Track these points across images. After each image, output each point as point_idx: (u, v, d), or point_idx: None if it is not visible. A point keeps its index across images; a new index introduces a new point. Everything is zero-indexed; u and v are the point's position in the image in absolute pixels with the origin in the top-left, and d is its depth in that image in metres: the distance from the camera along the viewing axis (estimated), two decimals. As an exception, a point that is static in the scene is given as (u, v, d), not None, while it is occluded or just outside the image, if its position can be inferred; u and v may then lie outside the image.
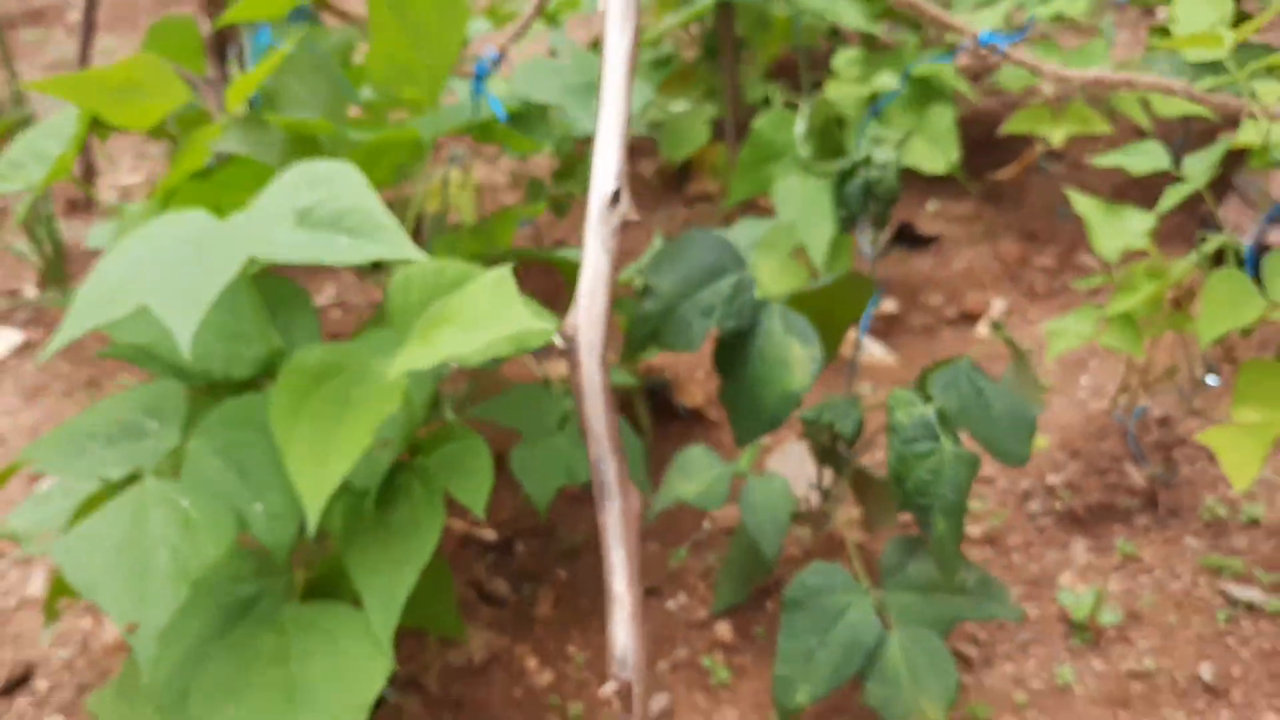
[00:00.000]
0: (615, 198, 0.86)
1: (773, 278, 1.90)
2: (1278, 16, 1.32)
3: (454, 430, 1.13)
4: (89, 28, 2.17)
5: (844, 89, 1.78)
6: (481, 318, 0.93)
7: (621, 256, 1.02)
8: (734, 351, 1.30)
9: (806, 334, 1.27)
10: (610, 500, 0.91)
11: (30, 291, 2.28)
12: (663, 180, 2.60)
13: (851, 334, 1.61)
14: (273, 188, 0.98)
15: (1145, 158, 1.39)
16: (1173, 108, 2.00)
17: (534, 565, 1.59)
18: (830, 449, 1.33)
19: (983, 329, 2.05)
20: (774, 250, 1.89)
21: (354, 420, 0.97)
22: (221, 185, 1.18)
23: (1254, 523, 1.55)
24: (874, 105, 1.74)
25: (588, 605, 1.52)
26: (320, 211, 0.94)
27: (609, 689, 0.90)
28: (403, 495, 1.08)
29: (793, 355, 1.27)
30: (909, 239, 2.31)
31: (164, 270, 0.88)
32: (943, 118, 1.83)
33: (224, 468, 1.00)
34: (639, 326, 1.30)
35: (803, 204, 1.79)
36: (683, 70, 2.21)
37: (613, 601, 0.93)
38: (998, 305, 2.09)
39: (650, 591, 1.54)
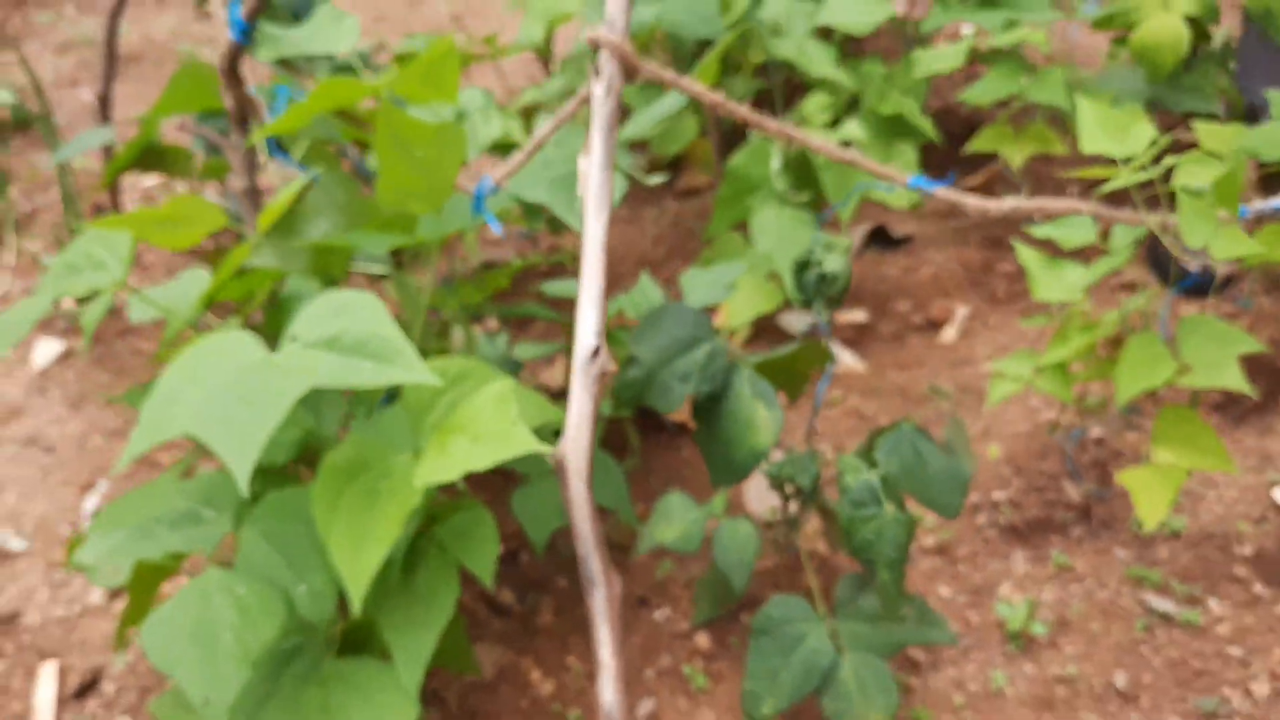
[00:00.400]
0: (595, 352, 1.04)
1: (748, 301, 2.08)
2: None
3: (463, 501, 1.31)
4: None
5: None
6: (489, 434, 1.11)
7: (613, 260, 1.19)
8: (709, 409, 1.48)
9: (769, 398, 1.45)
10: (597, 588, 1.10)
11: (67, 301, 2.45)
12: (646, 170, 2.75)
13: (812, 390, 1.78)
14: (305, 315, 1.15)
15: (1076, 232, 1.55)
16: (1126, 128, 2.14)
17: (537, 574, 1.79)
18: (794, 491, 1.52)
19: (948, 334, 2.22)
20: (751, 276, 2.06)
21: (384, 514, 1.16)
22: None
23: (1175, 535, 1.74)
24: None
25: (584, 614, 1.72)
26: (345, 339, 1.11)
27: (597, 741, 1.10)
28: (422, 563, 1.27)
29: (759, 417, 1.45)
30: (883, 240, 2.47)
31: (220, 410, 1.04)
32: (906, 155, 1.98)
33: (271, 553, 1.20)
34: (625, 390, 1.48)
35: (778, 235, 1.95)
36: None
37: (601, 668, 1.12)
38: (961, 312, 2.25)
39: (640, 601, 1.74)
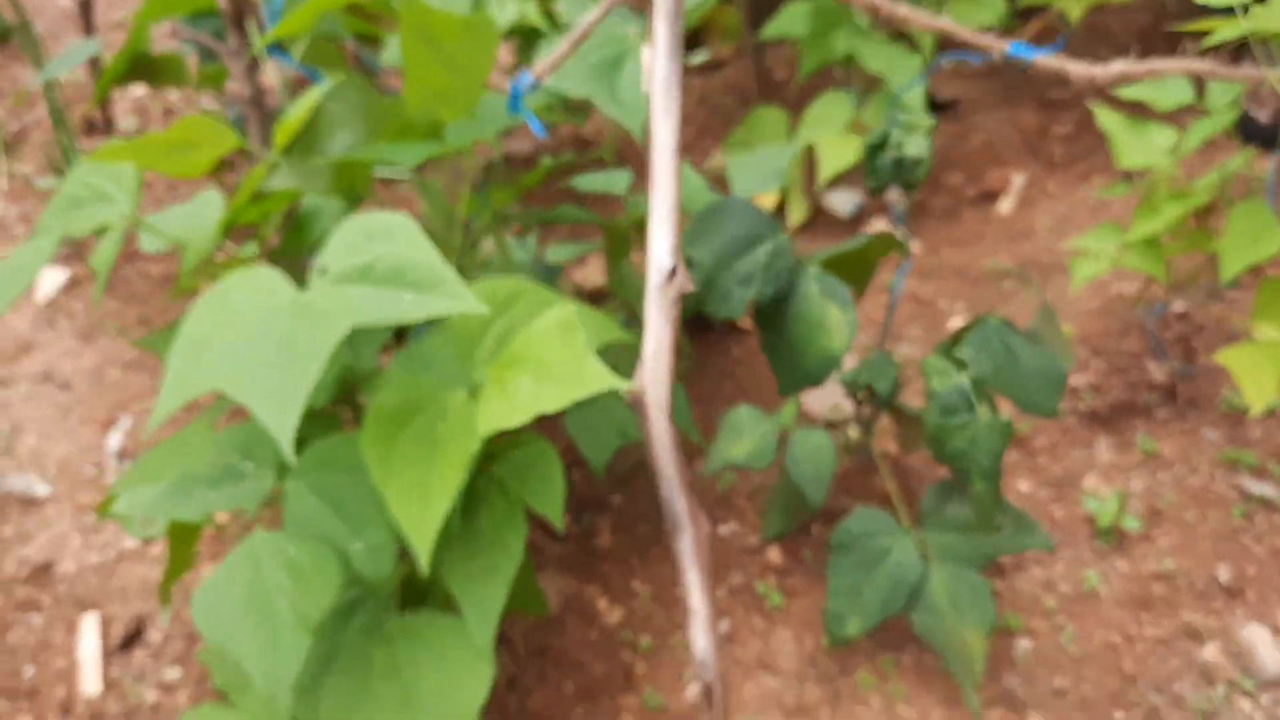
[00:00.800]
0: (672, 273, 0.91)
1: (834, 153, 1.93)
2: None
3: (522, 435, 1.20)
4: None
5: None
6: (556, 369, 0.99)
7: (637, 146, 1.07)
8: (774, 313, 1.36)
9: (842, 298, 1.33)
10: (682, 531, 0.99)
11: (63, 226, 2.32)
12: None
13: (885, 298, 1.65)
14: (334, 243, 1.02)
15: (1170, 91, 1.40)
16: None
17: (589, 493, 1.70)
18: (868, 394, 1.41)
19: (1004, 206, 2.08)
20: (830, 123, 1.92)
21: (445, 460, 1.05)
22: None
23: (1270, 412, 1.63)
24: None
25: (644, 532, 1.63)
26: (381, 267, 0.99)
27: (693, 690, 1.02)
28: (484, 505, 1.17)
29: (830, 318, 1.33)
30: (929, 105, 2.30)
31: (252, 363, 0.93)
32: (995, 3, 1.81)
33: (322, 507, 1.09)
34: (693, 303, 1.36)
35: (888, 62, 1.81)
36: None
37: (691, 614, 1.03)
38: (1017, 181, 2.11)
39: (702, 514, 1.65)
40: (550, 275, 1.69)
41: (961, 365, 1.26)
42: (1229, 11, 1.17)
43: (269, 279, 1.01)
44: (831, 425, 1.69)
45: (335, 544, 1.08)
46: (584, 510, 1.68)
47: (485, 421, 1.00)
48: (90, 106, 1.90)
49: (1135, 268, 1.47)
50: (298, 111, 1.13)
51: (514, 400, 1.00)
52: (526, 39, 1.83)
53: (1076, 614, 1.46)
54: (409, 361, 1.18)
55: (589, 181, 1.70)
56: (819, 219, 2.09)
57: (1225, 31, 1.30)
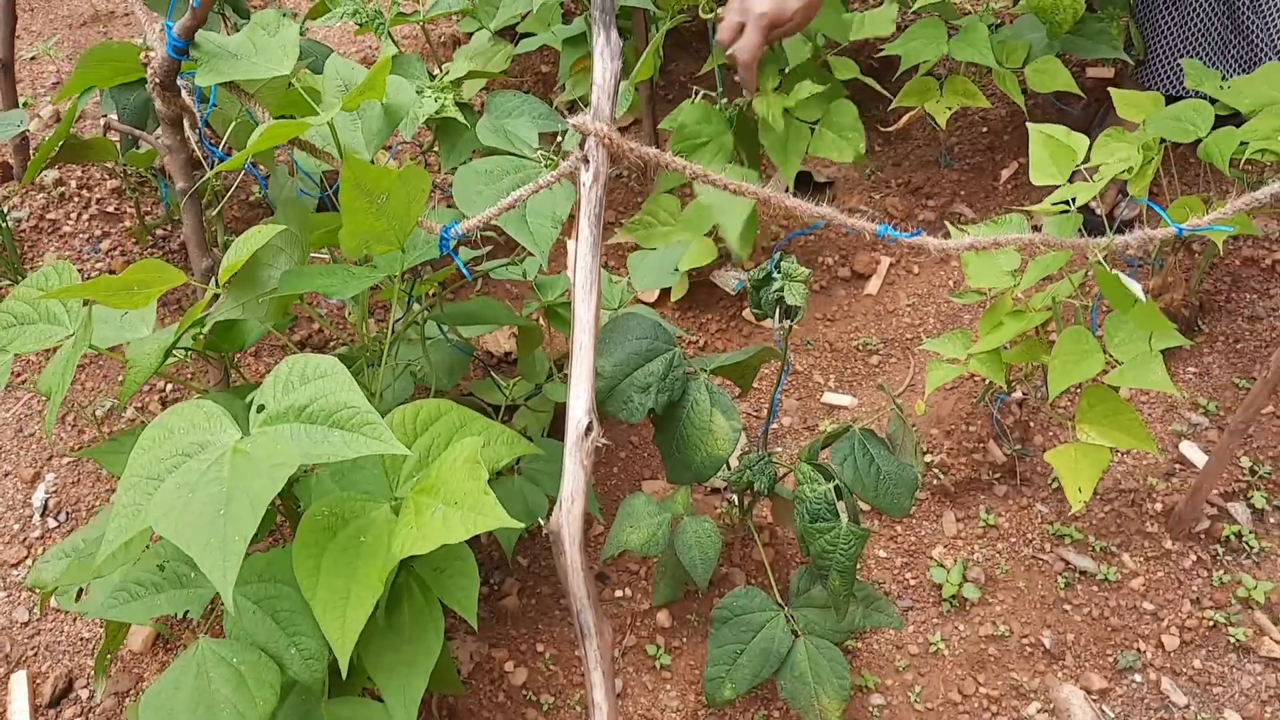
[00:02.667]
0: (588, 430, 1.08)
1: (688, 256, 2.11)
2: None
3: (442, 535, 1.35)
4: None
5: (769, 102, 1.93)
6: (464, 501, 1.14)
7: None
8: (667, 416, 1.53)
9: (728, 407, 1.51)
10: (589, 639, 1.16)
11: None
12: (569, 103, 2.72)
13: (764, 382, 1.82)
14: (271, 382, 1.15)
15: (1009, 230, 1.61)
16: (1048, 83, 2.20)
17: (498, 553, 1.85)
18: (749, 487, 1.59)
19: (872, 285, 2.29)
20: (696, 230, 2.10)
21: (366, 572, 1.19)
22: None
23: (1093, 489, 1.87)
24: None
25: (548, 594, 1.80)
26: (315, 408, 1.12)
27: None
28: (406, 599, 1.32)
29: (717, 425, 1.51)
30: (807, 184, 2.51)
31: (196, 517, 1.02)
32: (847, 112, 2.00)
33: (260, 616, 1.23)
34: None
35: (725, 197, 1.98)
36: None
37: (595, 708, 1.20)
38: (885, 262, 2.33)
39: (599, 578, 1.82)
40: (467, 353, 1.83)
41: (827, 475, 1.45)
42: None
43: (211, 415, 1.14)
44: (717, 491, 1.88)
45: (273, 650, 1.22)
46: (494, 570, 1.83)
47: (401, 546, 1.15)
48: (19, 188, 1.96)
49: (981, 373, 1.68)
50: (241, 252, 1.26)
51: (426, 528, 1.15)
52: (443, 127, 1.97)
53: (923, 673, 1.68)
54: (339, 473, 1.32)
55: (502, 270, 1.85)
56: (710, 293, 2.27)
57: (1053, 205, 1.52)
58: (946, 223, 2.39)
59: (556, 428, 2.02)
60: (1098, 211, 2.36)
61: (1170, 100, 1.96)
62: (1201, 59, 2.26)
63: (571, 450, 1.09)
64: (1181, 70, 2.25)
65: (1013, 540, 1.83)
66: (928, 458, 1.94)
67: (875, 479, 1.48)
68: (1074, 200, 1.56)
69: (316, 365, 1.15)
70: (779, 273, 1.41)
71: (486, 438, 1.35)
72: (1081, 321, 1.66)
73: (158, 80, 1.50)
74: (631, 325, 1.53)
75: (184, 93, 1.54)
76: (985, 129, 2.58)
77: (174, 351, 1.39)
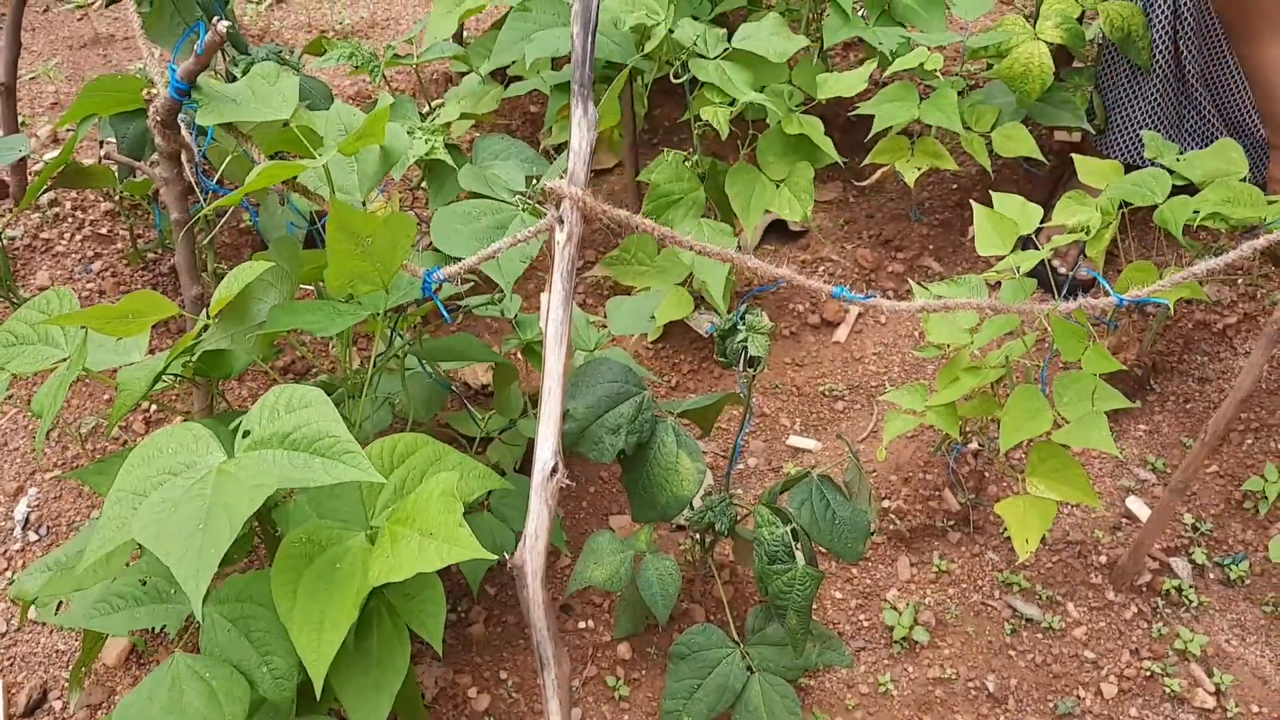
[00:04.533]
0: (554, 471, 1.15)
1: (664, 309, 2.19)
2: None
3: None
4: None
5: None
6: (439, 532, 1.21)
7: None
8: (634, 457, 1.60)
9: (693, 450, 1.58)
10: (548, 669, 1.22)
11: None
12: (555, 146, 2.80)
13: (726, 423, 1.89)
14: (258, 410, 1.22)
15: (964, 290, 1.69)
16: (1014, 148, 2.29)
17: (466, 581, 1.91)
18: (711, 527, 1.66)
19: (840, 333, 2.37)
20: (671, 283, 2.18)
21: (341, 597, 1.25)
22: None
23: (1040, 541, 1.95)
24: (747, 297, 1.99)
25: (513, 622, 1.86)
26: (298, 436, 1.19)
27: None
28: (375, 624, 1.38)
29: (683, 466, 1.58)
30: (781, 232, 2.59)
31: (176, 529, 1.09)
32: (805, 175, 2.09)
33: (235, 634, 1.29)
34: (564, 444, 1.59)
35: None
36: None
37: (549, 733, 1.26)
38: (853, 310, 2.41)
39: (564, 609, 1.88)
40: (445, 387, 1.89)
41: (785, 519, 1.52)
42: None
43: (200, 437, 1.20)
44: (682, 528, 1.95)
45: (245, 668, 1.27)
46: (461, 598, 1.89)
47: (377, 573, 1.21)
48: (16, 213, 2.03)
49: (937, 425, 1.76)
50: (232, 286, 1.32)
51: (401, 557, 1.21)
52: (432, 168, 2.04)
53: (872, 712, 1.74)
54: (317, 500, 1.38)
55: (482, 306, 1.92)
56: (684, 333, 2.34)
57: (1000, 272, 1.61)
58: (912, 279, 2.48)
59: (529, 462, 2.09)
60: (1061, 270, 2.45)
61: (1130, 169, 2.06)
62: (1159, 130, 2.37)
63: (538, 489, 1.15)
64: (1140, 140, 2.36)
65: (964, 586, 1.90)
66: (885, 503, 2.01)
67: (830, 523, 1.55)
68: (1019, 268, 1.64)
69: (302, 396, 1.22)
70: (744, 324, 1.49)
71: (460, 471, 1.42)
72: (1033, 380, 1.74)
73: (159, 118, 1.57)
74: (603, 369, 1.60)
75: (183, 129, 1.61)
76: (955, 186, 2.67)
77: (163, 376, 1.45)
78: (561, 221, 1.13)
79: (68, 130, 2.69)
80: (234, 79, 2.26)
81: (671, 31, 2.09)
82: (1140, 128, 2.38)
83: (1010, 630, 1.83)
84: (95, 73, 2.94)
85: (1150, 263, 1.79)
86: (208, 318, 1.36)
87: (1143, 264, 1.73)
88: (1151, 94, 2.33)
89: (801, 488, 1.57)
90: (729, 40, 2.15)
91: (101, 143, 1.78)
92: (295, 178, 1.49)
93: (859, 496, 1.60)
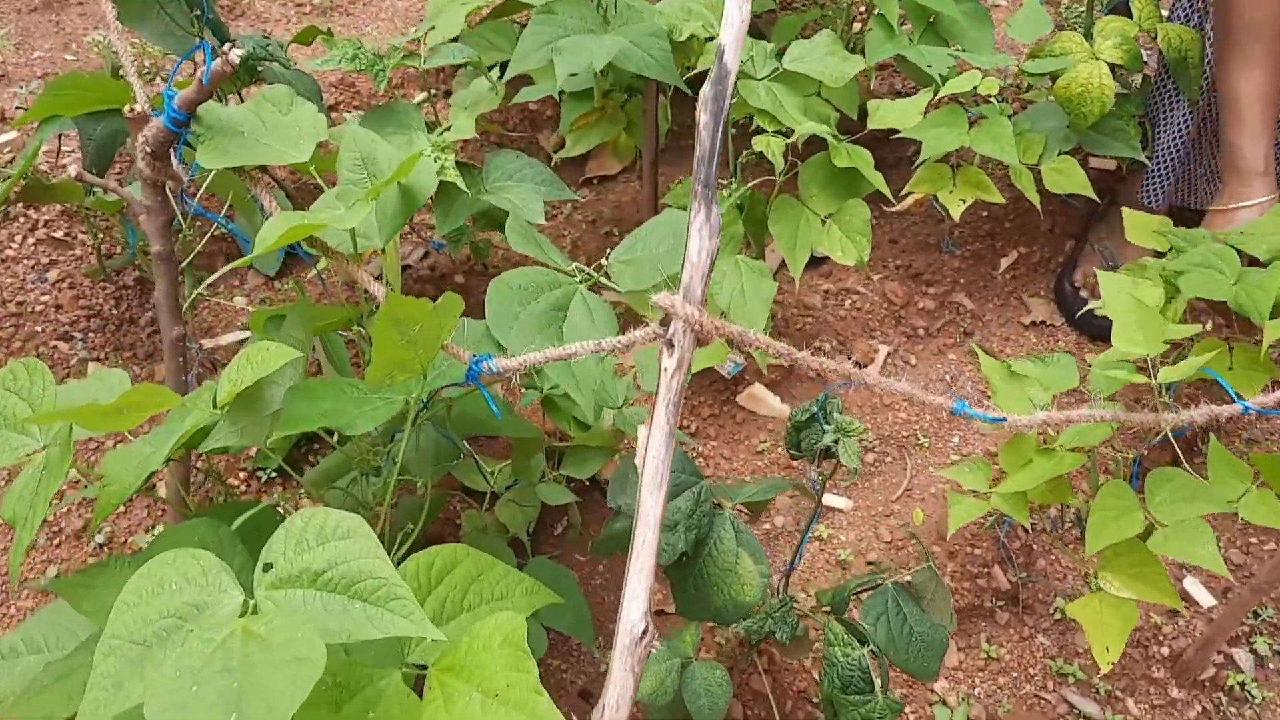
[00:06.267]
0: (644, 634, 0.96)
1: (702, 357, 2.00)
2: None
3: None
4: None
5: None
6: (506, 693, 1.01)
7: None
8: (688, 551, 1.42)
9: (754, 549, 1.41)
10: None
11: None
12: (557, 149, 2.57)
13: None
14: (280, 539, 1.01)
15: (1059, 373, 1.53)
16: (1064, 185, 2.13)
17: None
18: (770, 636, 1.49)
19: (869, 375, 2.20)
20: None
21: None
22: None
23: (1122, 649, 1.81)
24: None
25: None
26: (333, 576, 0.99)
27: None
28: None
29: (743, 568, 1.40)
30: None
31: (200, 715, 0.90)
32: (859, 214, 1.91)
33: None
34: (609, 544, 1.41)
35: (738, 290, 1.88)
36: (601, 104, 2.17)
37: None
38: (883, 351, 2.24)
39: (582, 694, 1.70)
40: (453, 441, 1.69)
41: (861, 637, 1.35)
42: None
43: (208, 569, 0.99)
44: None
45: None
46: None
47: (427, 740, 1.02)
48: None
49: (1004, 511, 1.60)
50: (245, 376, 1.11)
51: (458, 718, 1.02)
52: (443, 191, 1.82)
53: (923, 824, 1.60)
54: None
55: (529, 393, 1.72)
56: (704, 374, 2.16)
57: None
58: (944, 316, 2.32)
59: (543, 524, 1.90)
60: (1097, 312, 2.31)
61: (1173, 211, 1.94)
62: (1183, 167, 2.25)
63: (622, 654, 0.97)
64: (1179, 179, 2.23)
65: (1014, 675, 1.75)
66: (931, 580, 1.85)
67: (908, 641, 1.39)
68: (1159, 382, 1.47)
69: (337, 524, 1.01)
70: (829, 423, 1.31)
71: (504, 588, 1.22)
72: (1119, 473, 1.58)
73: (149, 149, 1.33)
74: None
75: (174, 160, 1.38)
76: (986, 214, 2.50)
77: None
78: (671, 345, 0.94)
79: (18, 109, 2.40)
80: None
81: (747, 71, 1.88)
82: (1178, 164, 2.24)
83: (1068, 730, 1.69)
84: (46, 40, 2.64)
85: (1257, 350, 1.63)
86: (213, 406, 1.15)
87: (1249, 350, 1.58)
88: (1188, 128, 2.19)
89: (876, 600, 1.40)
90: (778, 58, 1.94)
91: (65, 163, 1.54)
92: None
93: (935, 605, 1.44)
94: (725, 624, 1.40)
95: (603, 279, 1.28)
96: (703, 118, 0.87)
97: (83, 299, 2.00)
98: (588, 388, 1.22)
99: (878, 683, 1.33)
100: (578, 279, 1.35)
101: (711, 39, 1.83)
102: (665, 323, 0.96)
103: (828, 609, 1.48)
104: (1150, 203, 2.29)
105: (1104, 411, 1.23)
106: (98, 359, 1.93)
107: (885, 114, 1.99)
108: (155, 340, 1.98)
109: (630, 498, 1.40)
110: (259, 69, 2.02)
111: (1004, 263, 2.42)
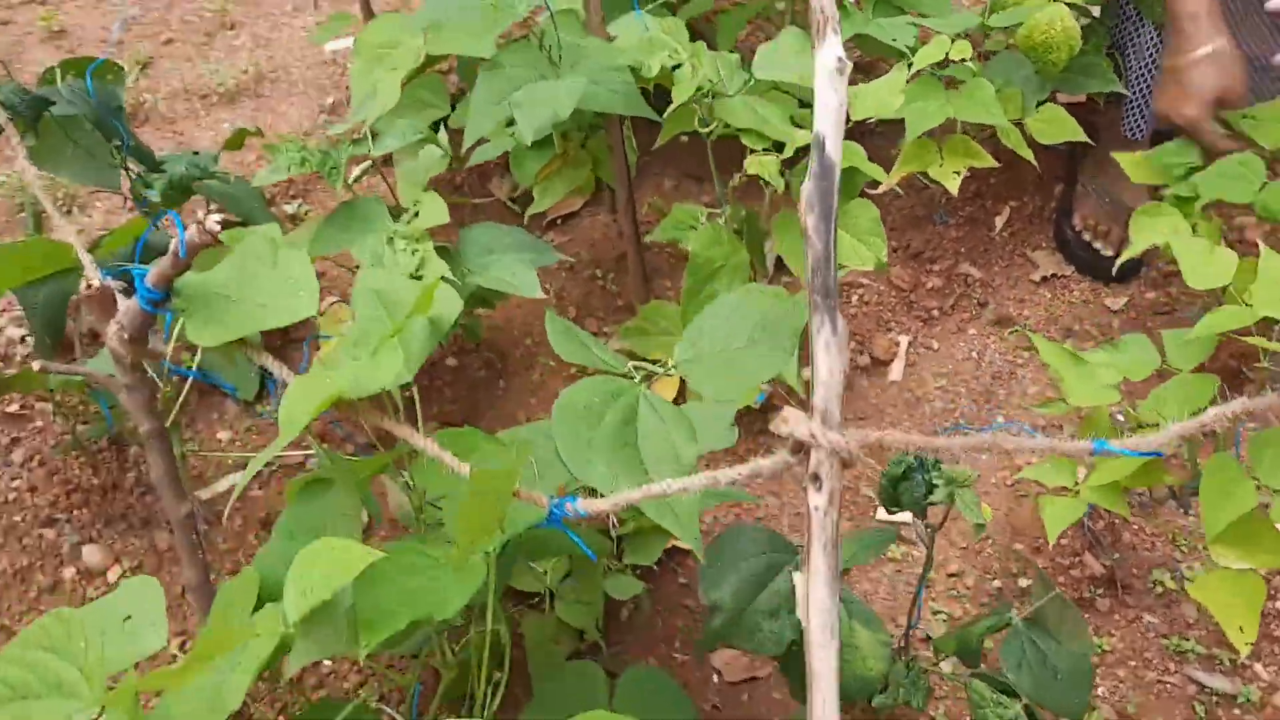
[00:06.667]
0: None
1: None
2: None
3: None
4: None
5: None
6: None
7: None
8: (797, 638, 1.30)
9: (867, 618, 1.30)
10: None
11: None
12: (521, 201, 2.43)
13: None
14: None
15: (1139, 355, 1.43)
16: (1055, 134, 2.04)
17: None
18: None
19: (894, 371, 2.10)
20: None
21: None
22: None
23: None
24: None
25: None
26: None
27: None
28: None
29: (860, 640, 1.29)
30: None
31: None
32: (865, 213, 1.79)
33: None
34: (710, 641, 1.29)
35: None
36: (562, 149, 2.03)
37: None
38: (903, 342, 2.14)
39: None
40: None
41: (1009, 690, 1.25)
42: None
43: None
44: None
45: None
46: None
47: None
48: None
49: (1101, 504, 1.51)
50: (318, 593, 0.97)
51: None
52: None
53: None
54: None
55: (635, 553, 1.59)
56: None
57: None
58: (955, 291, 2.22)
59: (608, 614, 1.77)
60: (1105, 252, 2.22)
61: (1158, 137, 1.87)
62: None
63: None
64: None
65: (1132, 664, 1.66)
66: (1023, 581, 1.76)
67: (1053, 681, 1.29)
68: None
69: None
70: (934, 474, 1.20)
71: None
72: (1223, 446, 1.49)
73: (126, 335, 1.18)
74: (743, 541, 1.30)
75: (152, 336, 1.22)
76: (970, 174, 2.39)
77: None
78: (818, 480, 0.82)
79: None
80: (144, 201, 1.85)
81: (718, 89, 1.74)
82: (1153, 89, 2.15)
83: (1204, 711, 1.60)
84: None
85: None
86: (285, 625, 1.00)
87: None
88: (1157, 51, 2.09)
89: (1012, 644, 1.29)
90: (746, 68, 1.81)
91: (28, 350, 1.38)
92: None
93: (1068, 630, 1.34)
94: (851, 701, 1.29)
95: (658, 369, 1.15)
96: (809, 219, 0.75)
97: (57, 475, 1.82)
98: (690, 520, 1.09)
99: (1041, 738, 1.22)
100: (637, 381, 1.21)
101: (678, 66, 1.69)
102: (797, 449, 0.84)
103: (951, 655, 1.38)
104: (1133, 134, 2.20)
105: (1240, 403, 1.13)
106: (90, 539, 1.76)
107: (865, 101, 1.88)
108: (148, 504, 1.82)
109: (725, 591, 1.28)
110: (193, 189, 1.86)
111: (999, 221, 2.33)
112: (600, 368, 1.25)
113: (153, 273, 1.11)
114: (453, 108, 2.28)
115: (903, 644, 1.41)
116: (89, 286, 1.24)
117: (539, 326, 2.17)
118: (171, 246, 1.07)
